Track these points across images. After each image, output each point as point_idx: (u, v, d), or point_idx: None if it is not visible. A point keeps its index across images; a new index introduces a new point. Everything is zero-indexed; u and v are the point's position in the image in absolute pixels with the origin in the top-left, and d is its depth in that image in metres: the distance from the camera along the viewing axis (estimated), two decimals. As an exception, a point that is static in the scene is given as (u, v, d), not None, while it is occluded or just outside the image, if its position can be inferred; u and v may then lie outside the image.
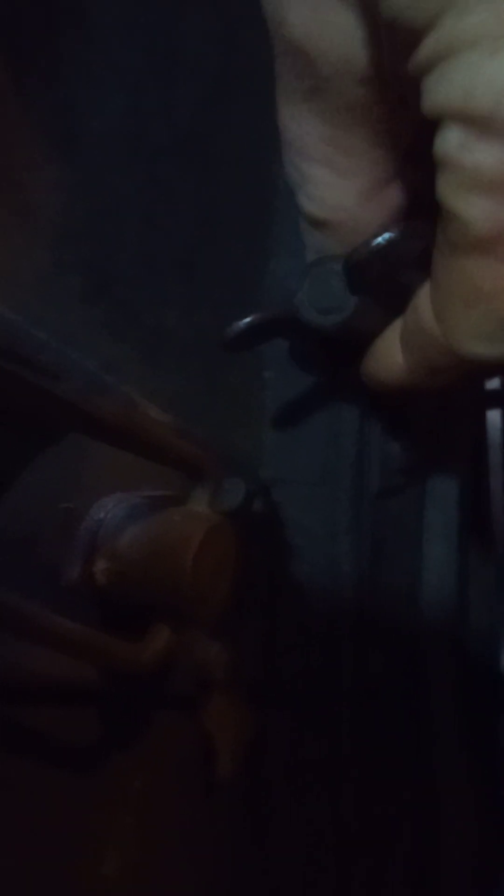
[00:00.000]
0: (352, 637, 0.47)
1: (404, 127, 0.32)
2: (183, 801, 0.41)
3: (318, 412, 0.49)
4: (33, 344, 0.25)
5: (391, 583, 0.52)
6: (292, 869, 0.46)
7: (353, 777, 0.48)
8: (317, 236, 0.36)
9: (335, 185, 0.33)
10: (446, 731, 0.55)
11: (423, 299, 0.32)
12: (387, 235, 0.32)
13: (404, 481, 0.52)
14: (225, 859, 0.43)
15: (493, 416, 0.80)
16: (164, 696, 0.38)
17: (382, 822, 0.51)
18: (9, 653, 0.30)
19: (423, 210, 0.33)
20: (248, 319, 0.35)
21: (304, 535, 0.48)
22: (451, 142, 0.27)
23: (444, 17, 0.25)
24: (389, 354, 0.37)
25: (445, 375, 0.34)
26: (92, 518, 0.33)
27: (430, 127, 0.30)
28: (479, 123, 0.26)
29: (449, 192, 0.28)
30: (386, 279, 0.33)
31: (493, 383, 0.81)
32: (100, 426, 0.27)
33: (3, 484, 0.26)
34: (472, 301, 0.29)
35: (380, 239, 0.32)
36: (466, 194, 0.27)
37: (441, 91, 0.26)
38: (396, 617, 0.52)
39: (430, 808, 0.55)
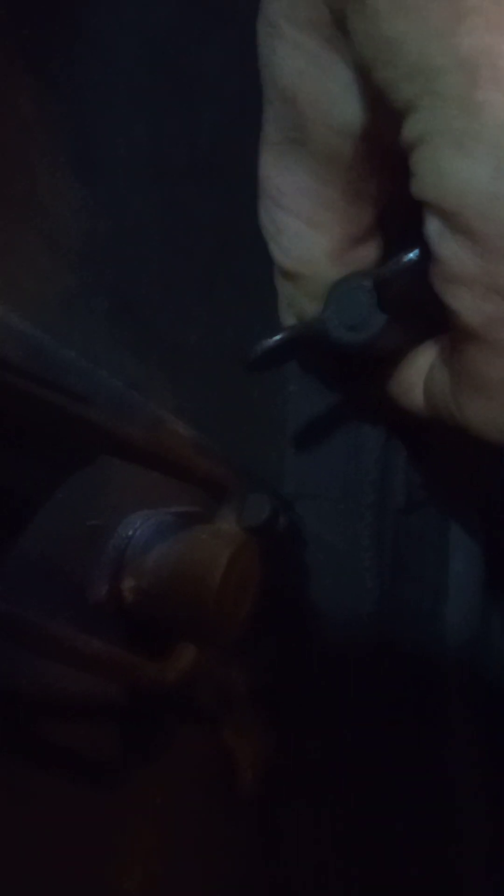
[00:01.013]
0: (374, 654, 0.47)
1: (384, 186, 0.31)
2: (203, 817, 0.41)
3: (340, 427, 0.49)
4: (61, 364, 0.25)
5: (413, 599, 0.52)
6: (307, 885, 0.45)
7: (370, 797, 0.48)
8: (287, 287, 0.36)
9: (307, 238, 0.32)
10: (465, 752, 0.55)
11: (439, 375, 0.32)
12: (417, 251, 0.32)
13: (427, 497, 0.52)
14: (238, 872, 0.43)
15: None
16: (186, 712, 0.38)
17: (400, 845, 0.50)
18: (33, 669, 0.30)
19: None
20: (272, 339, 0.36)
21: (326, 550, 0.48)
22: (431, 230, 0.27)
23: (420, 104, 0.24)
24: (412, 390, 0.36)
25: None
26: (119, 536, 0.33)
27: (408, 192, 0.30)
28: (450, 219, 0.25)
29: (436, 281, 0.28)
30: (415, 297, 0.33)
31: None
32: (128, 448, 0.28)
33: (32, 507, 0.26)
34: (481, 389, 0.29)
35: (411, 255, 0.32)
36: (450, 286, 0.27)
37: (418, 178, 0.26)
38: (418, 634, 0.52)
39: (444, 818, 0.54)
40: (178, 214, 0.39)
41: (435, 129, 0.24)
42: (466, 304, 0.26)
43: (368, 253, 0.33)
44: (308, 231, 0.32)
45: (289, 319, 0.39)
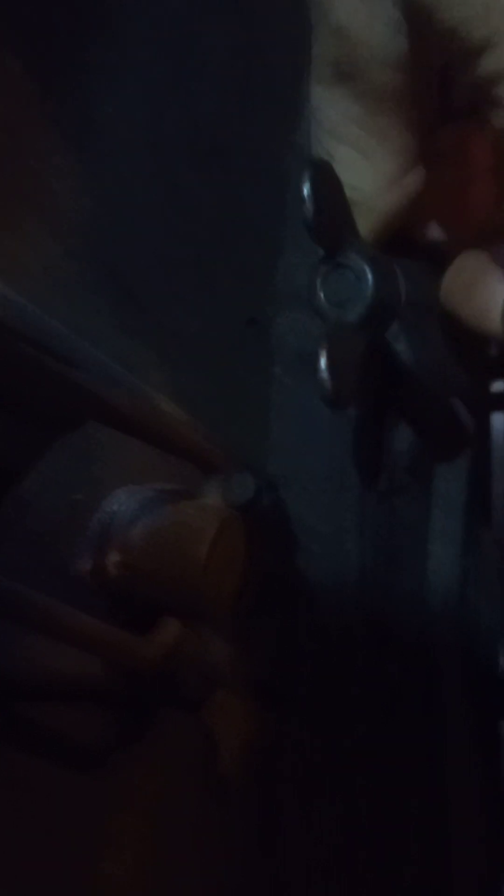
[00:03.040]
0: (359, 637, 0.47)
1: (429, 117, 0.32)
2: (190, 800, 0.40)
3: (324, 409, 0.48)
4: (48, 331, 0.25)
5: (397, 582, 0.52)
6: (300, 872, 0.45)
7: (361, 779, 0.48)
8: None
9: (360, 165, 0.34)
10: (456, 734, 0.55)
11: None
12: None
13: (410, 481, 0.52)
14: (232, 860, 0.43)
15: (497, 418, 0.80)
16: (170, 693, 0.37)
17: (393, 826, 0.50)
18: (16, 647, 0.29)
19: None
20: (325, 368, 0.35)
21: (310, 533, 0.48)
22: None
23: (497, 41, 0.26)
24: (489, 312, 0.36)
25: None
26: (104, 510, 0.32)
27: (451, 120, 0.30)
28: None
29: None
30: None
31: (497, 385, 0.82)
32: (115, 415, 0.27)
33: (17, 473, 0.26)
34: None
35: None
36: None
37: None
38: (403, 616, 0.51)
39: (440, 814, 0.54)
40: (178, 199, 0.39)
41: None
42: None
43: (414, 181, 0.34)
44: (360, 159, 0.34)
45: None
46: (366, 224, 0.36)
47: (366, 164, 0.34)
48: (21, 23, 0.32)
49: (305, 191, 0.34)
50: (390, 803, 0.50)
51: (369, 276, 0.36)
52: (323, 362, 0.35)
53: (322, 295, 0.37)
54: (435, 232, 0.40)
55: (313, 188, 0.34)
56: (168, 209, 0.38)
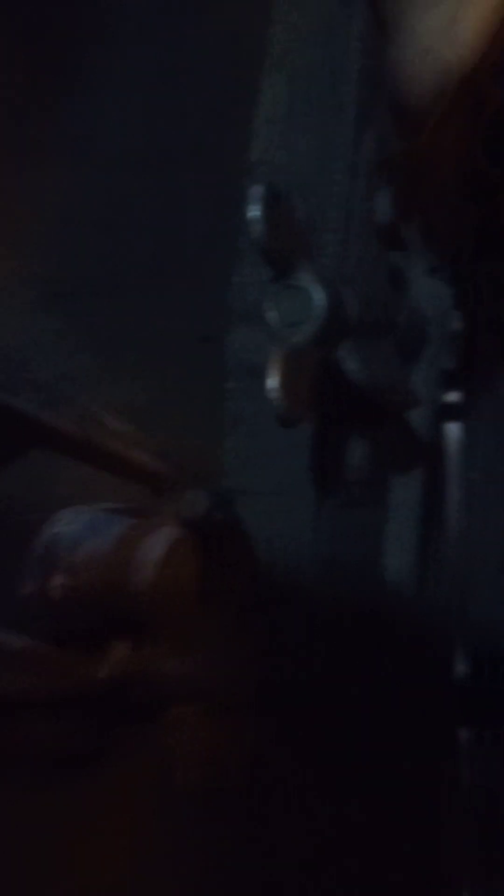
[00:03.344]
0: (315, 646, 0.47)
1: None
2: (147, 816, 0.40)
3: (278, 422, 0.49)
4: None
5: (354, 592, 0.52)
6: (262, 877, 0.45)
7: (328, 786, 0.48)
8: None
9: None
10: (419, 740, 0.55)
11: None
12: None
13: (366, 492, 0.52)
14: (191, 875, 0.43)
15: (450, 428, 0.81)
16: (124, 711, 0.37)
17: (334, 833, 0.51)
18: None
19: None
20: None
21: (265, 546, 0.48)
22: None
23: None
24: None
25: None
26: (49, 531, 0.32)
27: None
28: None
29: None
30: None
31: (450, 396, 0.83)
32: (59, 439, 0.27)
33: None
34: None
35: None
36: None
37: None
38: (359, 627, 0.52)
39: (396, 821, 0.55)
40: (124, 213, 0.39)
41: None
42: None
43: None
44: None
45: None
46: None
47: None
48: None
49: (256, 212, 0.34)
50: (340, 808, 0.51)
51: (320, 296, 0.36)
52: (274, 382, 0.35)
53: (273, 315, 0.37)
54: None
55: (264, 209, 0.34)
56: (114, 224, 0.38)
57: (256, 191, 0.34)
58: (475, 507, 0.77)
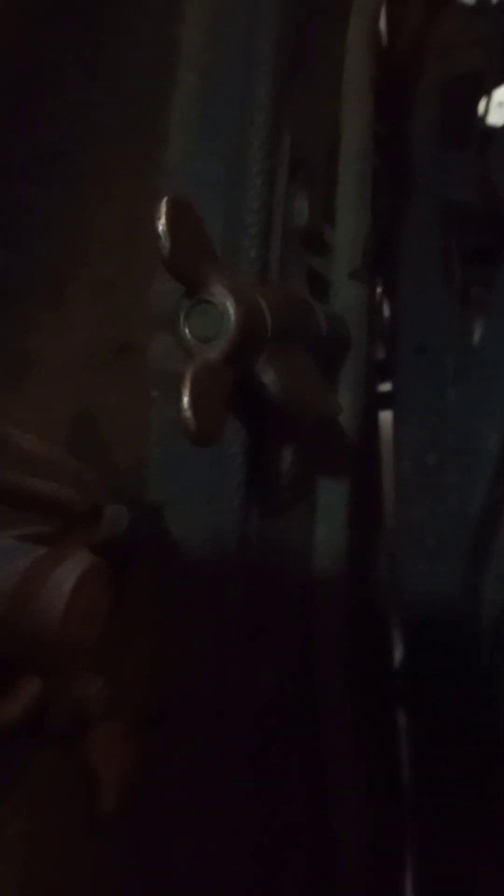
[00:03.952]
0: (241, 658, 0.47)
1: None
2: (68, 840, 0.40)
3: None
4: None
5: (280, 599, 0.52)
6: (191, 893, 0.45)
7: (246, 797, 0.48)
8: None
9: None
10: (338, 726, 0.56)
11: None
12: None
13: (292, 498, 0.52)
14: (123, 893, 0.42)
15: (384, 416, 0.82)
16: (40, 738, 0.36)
17: (279, 834, 0.51)
18: None
19: None
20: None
21: (191, 556, 0.48)
22: None
23: None
24: None
25: None
26: (-46, 565, 0.31)
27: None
28: None
29: None
30: None
31: (384, 386, 0.84)
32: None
33: None
34: None
35: None
36: None
37: None
38: (290, 634, 0.52)
39: (323, 814, 0.56)
40: (18, 213, 0.37)
41: None
42: None
43: None
44: None
45: None
46: None
47: None
48: None
49: (160, 227, 0.33)
50: (275, 811, 0.51)
51: (232, 311, 0.36)
52: (186, 402, 0.34)
53: (186, 331, 0.36)
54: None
55: (169, 224, 0.33)
56: (8, 222, 0.37)
57: (161, 205, 0.33)
58: (405, 495, 0.78)
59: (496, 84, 0.80)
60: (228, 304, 0.35)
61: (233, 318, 0.35)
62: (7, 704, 0.29)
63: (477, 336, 0.80)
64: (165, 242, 0.33)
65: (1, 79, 0.36)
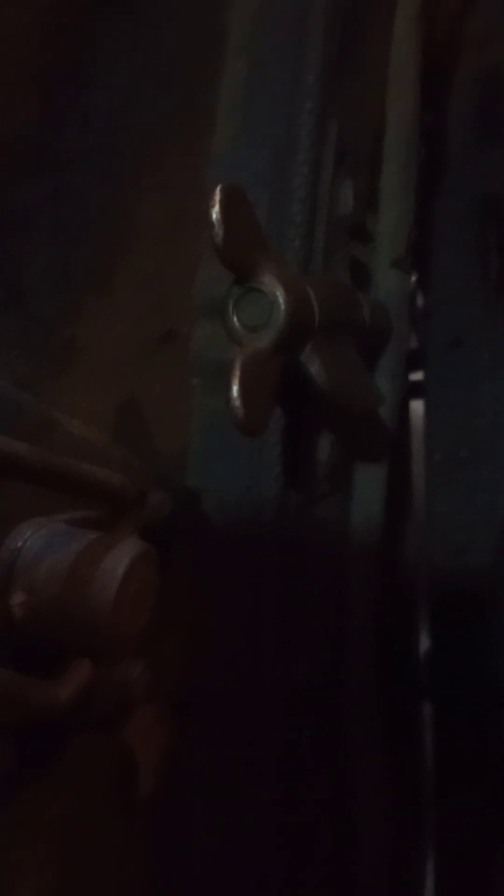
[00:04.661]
0: (276, 647, 0.47)
1: None
2: (104, 822, 0.40)
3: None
4: None
5: (314, 590, 0.52)
6: (219, 881, 0.46)
7: (273, 782, 0.49)
8: None
9: None
10: (364, 717, 0.56)
11: None
12: None
13: (329, 489, 0.52)
14: (151, 876, 0.43)
15: (415, 405, 0.82)
16: (82, 720, 0.37)
17: (303, 826, 0.51)
18: None
19: None
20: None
21: (229, 544, 0.48)
22: None
23: None
24: None
25: None
26: (8, 547, 0.31)
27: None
28: None
29: None
30: None
31: (415, 375, 0.83)
32: (13, 466, 0.26)
33: None
34: None
35: None
36: None
37: None
38: (323, 623, 0.52)
39: (347, 805, 0.56)
40: (69, 202, 0.37)
41: None
42: None
43: None
44: None
45: None
46: None
47: None
48: None
49: (214, 216, 0.33)
50: (301, 801, 0.51)
51: (282, 300, 0.35)
52: (235, 390, 0.34)
53: (235, 319, 0.36)
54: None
55: (223, 213, 0.33)
56: (59, 210, 0.37)
57: (215, 193, 0.33)
58: (436, 489, 0.78)
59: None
60: (279, 293, 0.35)
61: (283, 307, 0.35)
62: (60, 686, 0.29)
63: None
64: (219, 230, 0.33)
65: (54, 69, 0.36)
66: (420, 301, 0.83)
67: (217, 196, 0.33)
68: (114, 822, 0.41)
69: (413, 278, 0.80)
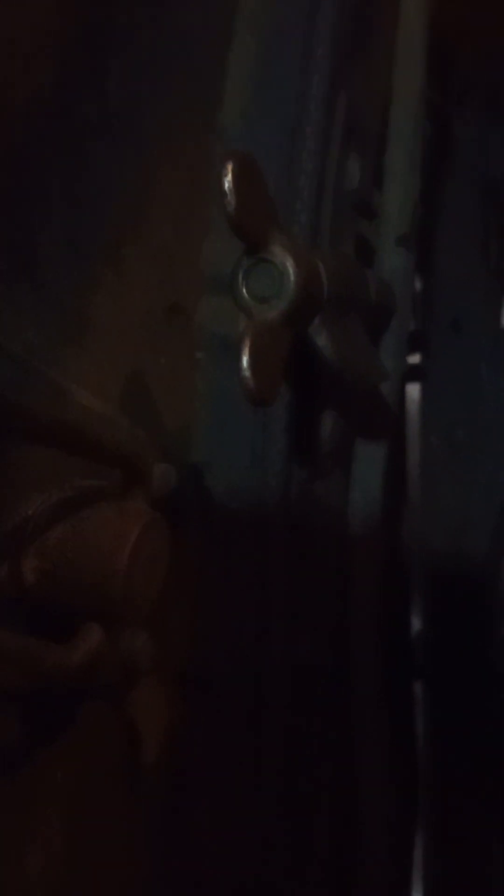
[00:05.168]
0: (281, 623, 0.48)
1: None
2: (110, 791, 0.41)
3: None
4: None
5: (318, 565, 0.53)
6: (221, 853, 0.46)
7: (276, 758, 0.49)
8: None
9: None
10: (366, 694, 0.57)
11: None
12: None
13: (332, 465, 0.53)
14: (155, 847, 0.43)
15: (411, 389, 0.82)
16: (89, 688, 0.37)
17: (304, 798, 0.52)
18: None
19: None
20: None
21: (234, 518, 0.48)
22: None
23: None
24: None
25: None
26: (20, 513, 0.31)
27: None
28: None
29: None
30: None
31: (412, 358, 0.84)
32: (28, 421, 0.26)
33: None
34: None
35: None
36: None
37: None
38: (325, 600, 0.53)
39: (349, 780, 0.57)
40: (83, 171, 0.37)
41: None
42: None
43: None
44: None
45: None
46: None
47: None
48: None
49: (226, 184, 0.33)
50: (303, 773, 0.52)
51: (292, 271, 0.36)
52: (245, 361, 0.34)
53: (244, 290, 0.36)
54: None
55: (235, 182, 0.33)
56: (72, 179, 0.36)
57: (228, 161, 0.33)
58: (433, 471, 0.78)
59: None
60: (289, 264, 0.35)
61: (293, 278, 0.35)
62: (72, 650, 0.30)
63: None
64: (231, 199, 0.33)
65: (70, 35, 0.36)
66: (419, 283, 0.83)
67: (230, 164, 0.33)
68: (120, 791, 0.42)
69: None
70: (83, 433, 0.29)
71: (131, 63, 0.39)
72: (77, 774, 0.39)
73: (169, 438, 0.46)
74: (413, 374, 0.81)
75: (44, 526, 0.31)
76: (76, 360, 0.39)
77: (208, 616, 0.46)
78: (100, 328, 0.40)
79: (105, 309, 0.40)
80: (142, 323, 0.43)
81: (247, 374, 0.34)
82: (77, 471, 0.35)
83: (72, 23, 0.35)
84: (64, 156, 0.36)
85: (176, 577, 0.40)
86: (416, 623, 0.80)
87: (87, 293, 0.38)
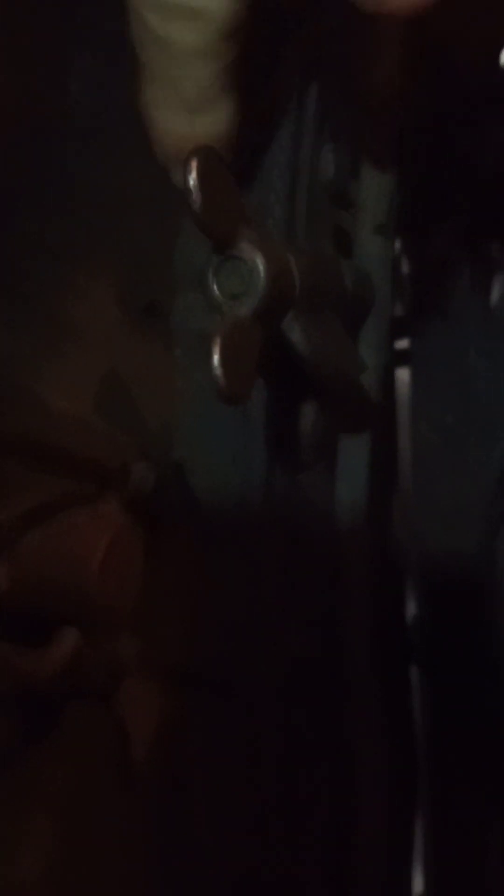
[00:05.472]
0: (269, 618, 0.48)
1: None
2: (103, 792, 0.41)
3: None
4: None
5: (307, 558, 0.53)
6: (218, 849, 0.47)
7: (273, 750, 0.49)
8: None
9: None
10: (361, 686, 0.57)
11: None
12: None
13: (315, 458, 0.52)
14: (149, 849, 0.44)
15: (401, 373, 0.82)
16: (74, 690, 0.37)
17: (301, 792, 0.52)
18: None
19: None
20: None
21: (218, 514, 0.48)
22: None
23: None
24: None
25: None
26: (-10, 521, 0.31)
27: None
28: None
29: None
30: None
31: (401, 343, 0.83)
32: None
33: None
34: None
35: None
36: None
37: None
38: (312, 593, 0.53)
39: (346, 770, 0.57)
40: (50, 171, 0.37)
41: None
42: None
43: None
44: None
45: None
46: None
47: None
48: None
49: (191, 182, 0.32)
50: (299, 767, 0.52)
51: (262, 267, 0.35)
52: (216, 359, 0.34)
53: (215, 288, 0.36)
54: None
55: (200, 179, 0.32)
56: (43, 181, 0.36)
57: (192, 158, 0.32)
58: (423, 456, 0.78)
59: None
60: (258, 259, 0.35)
61: (262, 274, 0.35)
62: (46, 654, 0.30)
63: (496, 295, 0.78)
64: (196, 197, 0.32)
65: (34, 33, 0.35)
66: (406, 267, 0.82)
67: (193, 161, 0.32)
68: (113, 791, 0.42)
69: (398, 244, 0.80)
70: (48, 445, 0.29)
71: (97, 59, 0.38)
72: (68, 778, 0.39)
73: (150, 437, 0.46)
74: (401, 358, 0.80)
75: (16, 532, 0.31)
76: (51, 363, 0.39)
77: (199, 612, 0.46)
78: (75, 330, 0.40)
79: (79, 310, 0.40)
80: (118, 323, 0.43)
81: (218, 371, 0.34)
82: (51, 476, 0.35)
83: (32, 18, 0.35)
84: (29, 157, 0.36)
85: (162, 575, 0.41)
86: (412, 608, 0.81)
87: (60, 295, 0.38)
